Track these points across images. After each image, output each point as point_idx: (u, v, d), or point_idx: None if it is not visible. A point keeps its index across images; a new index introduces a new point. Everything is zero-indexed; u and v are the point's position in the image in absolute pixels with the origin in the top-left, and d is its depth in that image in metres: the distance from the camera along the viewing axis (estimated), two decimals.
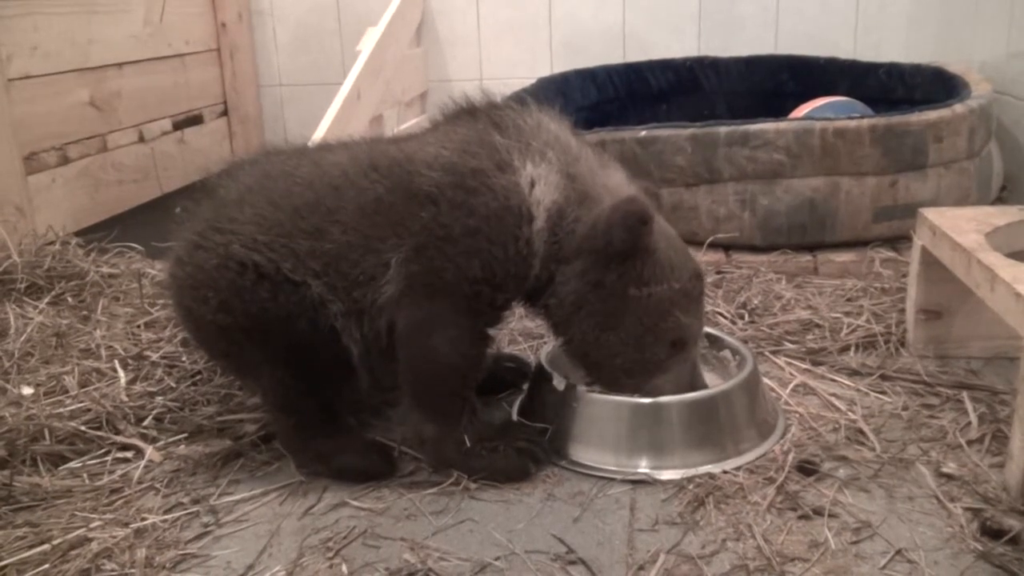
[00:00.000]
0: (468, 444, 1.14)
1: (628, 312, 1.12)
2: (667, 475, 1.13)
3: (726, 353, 1.34)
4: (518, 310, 1.36)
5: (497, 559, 0.99)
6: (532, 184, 1.12)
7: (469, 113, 1.21)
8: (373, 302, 1.12)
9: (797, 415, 1.26)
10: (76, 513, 1.08)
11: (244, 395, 1.36)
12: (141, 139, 2.44)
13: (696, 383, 1.19)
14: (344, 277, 1.12)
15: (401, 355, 1.13)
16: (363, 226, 1.12)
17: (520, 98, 1.23)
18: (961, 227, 1.30)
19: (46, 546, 1.01)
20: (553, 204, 1.12)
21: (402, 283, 1.11)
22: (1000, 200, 2.10)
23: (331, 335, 1.13)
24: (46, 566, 0.98)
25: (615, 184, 1.18)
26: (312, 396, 1.17)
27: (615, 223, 1.08)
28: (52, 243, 1.91)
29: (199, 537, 1.06)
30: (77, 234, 2.00)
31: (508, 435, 1.18)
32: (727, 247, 1.89)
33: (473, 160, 1.12)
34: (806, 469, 1.12)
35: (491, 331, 1.18)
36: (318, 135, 1.94)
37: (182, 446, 1.24)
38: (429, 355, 1.12)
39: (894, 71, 2.32)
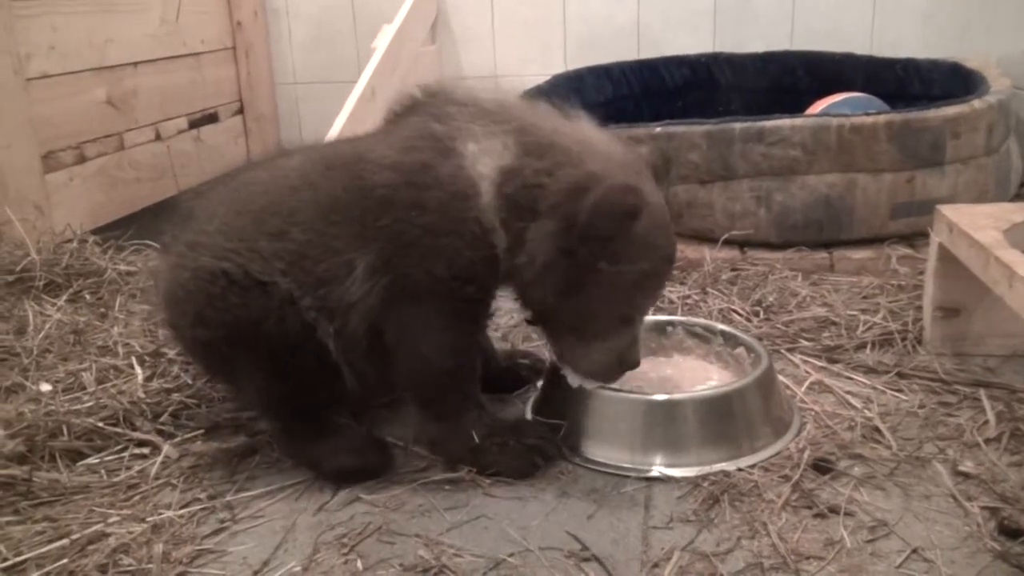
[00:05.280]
0: (477, 440, 1.14)
1: (592, 284, 1.08)
2: (682, 472, 1.13)
3: (741, 351, 1.33)
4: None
5: (511, 556, 0.99)
6: (475, 161, 1.10)
7: (411, 109, 1.20)
8: (340, 299, 1.12)
9: (812, 413, 1.26)
10: (94, 508, 1.09)
11: None
12: (157, 137, 2.45)
13: (631, 359, 1.15)
14: (308, 275, 1.12)
15: (396, 361, 1.14)
16: (321, 225, 1.13)
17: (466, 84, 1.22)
18: (979, 224, 1.29)
19: (65, 541, 1.02)
20: (498, 169, 1.09)
21: (381, 293, 1.11)
22: (1019, 197, 2.08)
23: (307, 334, 1.13)
24: (65, 560, 0.99)
25: (592, 135, 1.13)
26: (295, 400, 1.17)
27: (602, 211, 1.02)
28: (70, 241, 1.92)
29: (215, 533, 1.06)
30: (94, 232, 2.01)
31: (519, 431, 1.18)
32: (742, 244, 1.88)
33: (419, 154, 1.11)
34: (821, 467, 1.12)
35: (478, 324, 1.18)
36: (333, 133, 1.95)
37: (198, 442, 1.25)
38: (418, 359, 1.13)
39: (911, 67, 2.30)
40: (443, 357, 1.13)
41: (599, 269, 1.07)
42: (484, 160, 1.09)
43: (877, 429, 1.20)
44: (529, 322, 1.23)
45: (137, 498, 1.12)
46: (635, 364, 1.16)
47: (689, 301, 1.66)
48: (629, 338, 1.16)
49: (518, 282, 1.14)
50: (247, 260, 1.13)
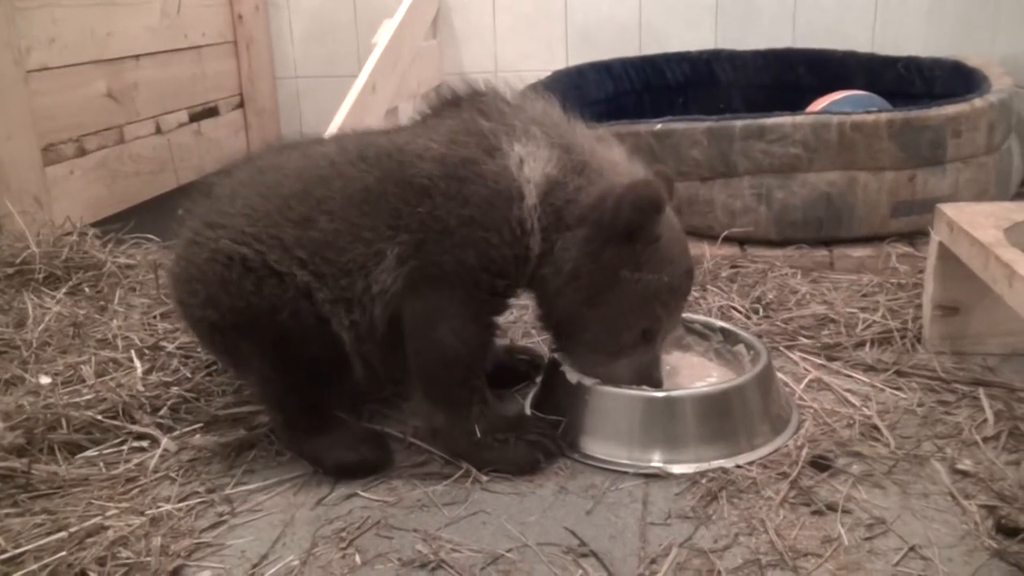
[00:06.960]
0: (479, 435, 1.14)
1: (613, 292, 1.12)
2: (680, 469, 1.13)
3: (740, 348, 1.33)
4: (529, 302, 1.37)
5: (509, 551, 0.99)
6: (521, 163, 1.12)
7: (454, 104, 1.21)
8: (365, 290, 1.13)
9: (811, 410, 1.26)
10: (93, 501, 1.09)
11: None
12: (158, 131, 2.45)
13: (653, 377, 1.19)
14: (331, 264, 1.12)
15: (409, 347, 1.14)
16: (351, 215, 1.13)
17: (504, 83, 1.23)
18: (979, 223, 1.29)
19: (63, 533, 1.02)
20: (544, 177, 1.12)
21: (405, 278, 1.11)
22: (1020, 195, 2.08)
23: (320, 327, 1.14)
24: (63, 553, 0.99)
25: (618, 157, 1.18)
26: (299, 393, 1.17)
27: (626, 203, 1.07)
28: (69, 234, 1.92)
29: (214, 526, 1.06)
30: (94, 225, 2.01)
31: (520, 427, 1.18)
32: (742, 241, 1.88)
33: (462, 149, 1.12)
34: (820, 464, 1.12)
35: (497, 319, 1.19)
36: (333, 127, 1.95)
37: (197, 436, 1.25)
38: (433, 345, 1.13)
39: (912, 65, 2.30)
40: (459, 345, 1.13)
41: (621, 277, 1.11)
42: (531, 164, 1.12)
43: (876, 427, 1.21)
44: (552, 349, 1.24)
45: (135, 491, 1.12)
46: (658, 384, 1.20)
47: (689, 297, 1.66)
48: (650, 357, 1.19)
49: (542, 293, 1.17)
50: (267, 247, 1.13)
